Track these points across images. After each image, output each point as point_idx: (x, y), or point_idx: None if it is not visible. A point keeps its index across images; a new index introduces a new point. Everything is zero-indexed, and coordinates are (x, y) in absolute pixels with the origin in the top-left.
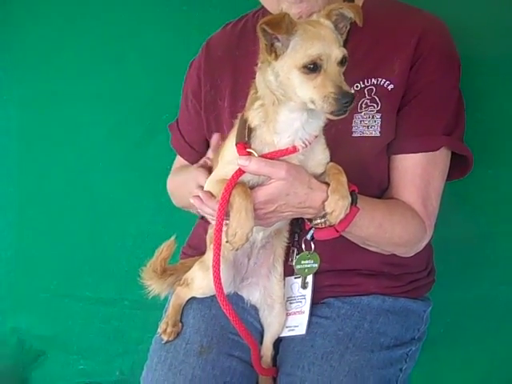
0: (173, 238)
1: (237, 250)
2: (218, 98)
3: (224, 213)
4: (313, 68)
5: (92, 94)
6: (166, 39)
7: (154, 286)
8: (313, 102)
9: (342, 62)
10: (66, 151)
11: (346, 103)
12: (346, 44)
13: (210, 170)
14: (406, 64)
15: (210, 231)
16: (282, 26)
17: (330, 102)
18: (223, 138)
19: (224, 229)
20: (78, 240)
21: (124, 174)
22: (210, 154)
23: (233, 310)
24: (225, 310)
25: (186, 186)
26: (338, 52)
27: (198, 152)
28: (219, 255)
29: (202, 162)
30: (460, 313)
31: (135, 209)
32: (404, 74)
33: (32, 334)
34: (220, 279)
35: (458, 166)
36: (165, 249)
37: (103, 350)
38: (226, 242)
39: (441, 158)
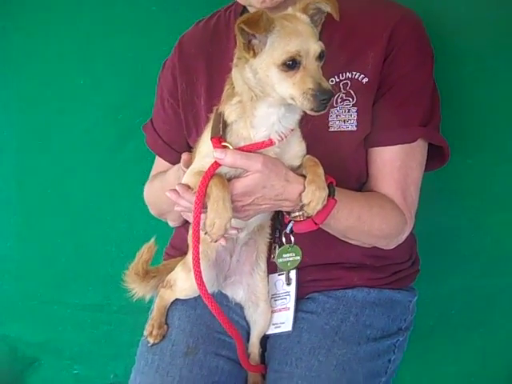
0: (153, 239)
1: (215, 241)
2: (194, 95)
3: (201, 204)
4: (292, 64)
5: (63, 99)
6: (137, 41)
7: (138, 289)
8: (292, 98)
9: (320, 57)
10: (41, 157)
11: (324, 100)
12: (320, 38)
13: None
14: (379, 57)
15: (191, 231)
16: (261, 24)
17: (308, 98)
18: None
19: (202, 222)
20: (61, 247)
21: (101, 179)
22: (183, 169)
23: (215, 303)
24: (207, 304)
25: (162, 190)
26: (316, 47)
27: (177, 152)
28: (198, 248)
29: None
30: (447, 305)
31: (115, 213)
32: (378, 66)
33: (23, 342)
34: (201, 274)
35: (435, 156)
36: (145, 251)
37: (96, 355)
38: (205, 233)
39: (418, 150)
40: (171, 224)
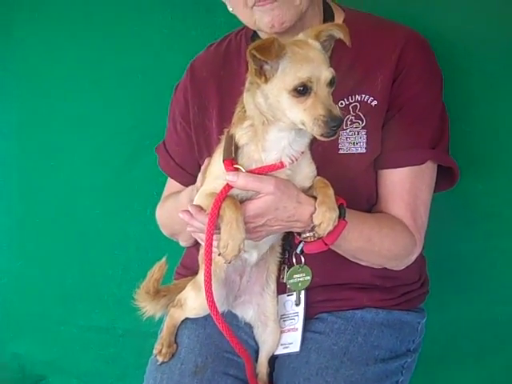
0: (164, 258)
1: (229, 262)
2: (206, 118)
3: (214, 226)
4: (303, 90)
5: (74, 119)
6: (149, 62)
7: (148, 308)
8: (303, 123)
9: (331, 83)
10: (49, 177)
11: (335, 127)
12: (330, 61)
13: None
14: (388, 79)
15: (202, 251)
16: (272, 51)
17: (319, 124)
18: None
19: (214, 243)
20: (67, 267)
21: (109, 200)
22: (200, 176)
23: (225, 322)
24: (216, 322)
25: (176, 211)
26: (327, 73)
27: (189, 174)
28: (210, 269)
29: (197, 184)
30: (456, 333)
31: (123, 235)
32: (387, 89)
33: (32, 360)
34: (212, 293)
35: (445, 177)
36: (156, 270)
37: (103, 375)
38: (219, 254)
39: (427, 172)
40: (182, 244)
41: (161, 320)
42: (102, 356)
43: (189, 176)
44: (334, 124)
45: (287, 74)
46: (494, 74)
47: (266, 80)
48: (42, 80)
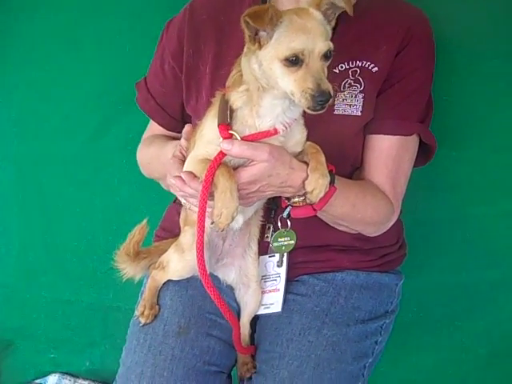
0: (145, 220)
1: (222, 230)
2: (200, 62)
3: (208, 193)
4: (295, 61)
5: (44, 83)
6: (124, 24)
7: (128, 270)
8: (292, 94)
9: (326, 56)
10: (12, 146)
11: (321, 101)
12: (335, 29)
13: (184, 161)
14: (392, 50)
15: (183, 214)
16: (265, 18)
17: (306, 97)
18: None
19: (207, 210)
20: (31, 239)
21: (76, 170)
22: (182, 142)
23: (216, 290)
24: (208, 290)
25: (158, 159)
26: (322, 46)
27: (169, 115)
28: (203, 236)
29: (177, 152)
30: (430, 296)
31: (89, 206)
32: (389, 59)
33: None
34: (203, 259)
35: (421, 153)
36: (137, 232)
37: (70, 342)
38: (212, 223)
39: (412, 144)
40: (165, 188)
41: (121, 295)
42: (68, 326)
43: (168, 117)
44: (321, 98)
45: (281, 43)
46: (472, 47)
47: (260, 46)
48: (2, 45)
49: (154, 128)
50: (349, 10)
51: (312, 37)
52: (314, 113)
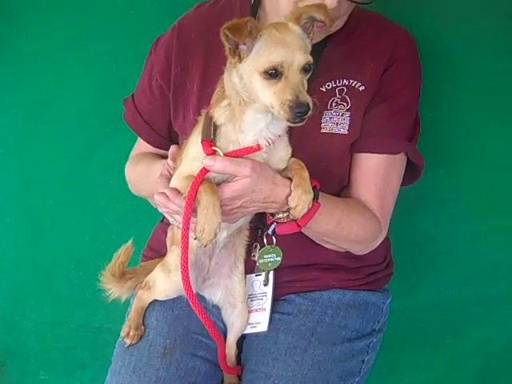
0: (130, 241)
1: (205, 246)
2: (187, 80)
3: (191, 209)
4: (274, 74)
5: (32, 104)
6: (111, 44)
7: (114, 290)
8: (272, 106)
9: (305, 70)
10: (0, 166)
11: (300, 113)
12: (324, 47)
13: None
14: (378, 69)
15: (170, 234)
16: (244, 32)
17: (285, 109)
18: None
19: (191, 226)
20: (19, 260)
21: (63, 191)
22: (169, 162)
23: (201, 306)
24: (194, 308)
25: (146, 178)
26: (301, 58)
27: (156, 133)
28: (187, 252)
29: (164, 171)
30: (418, 314)
31: (76, 228)
32: (376, 78)
33: None
34: (188, 276)
35: (407, 172)
36: (122, 253)
37: (60, 363)
38: (195, 238)
39: (399, 162)
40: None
41: (111, 316)
42: (58, 348)
43: (155, 134)
44: (299, 110)
45: (260, 56)
46: (457, 64)
47: (241, 60)
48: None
49: (141, 145)
50: (327, 22)
51: (291, 50)
52: (293, 125)
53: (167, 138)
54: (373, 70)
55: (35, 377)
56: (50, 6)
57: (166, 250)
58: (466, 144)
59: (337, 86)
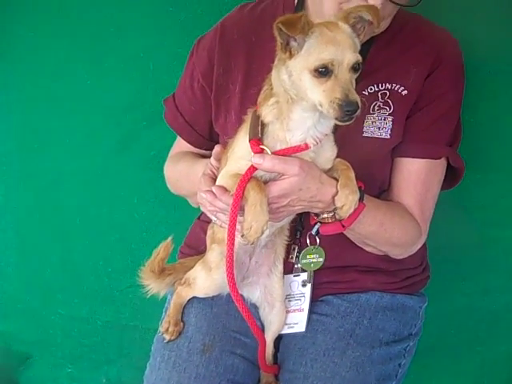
0: (170, 238)
1: (252, 244)
2: (230, 82)
3: (238, 207)
4: (324, 72)
5: (67, 99)
6: (147, 42)
7: (153, 286)
8: (321, 105)
9: (355, 69)
10: (34, 161)
11: (349, 111)
12: (367, 50)
13: (215, 179)
14: (422, 73)
15: (210, 232)
16: (298, 26)
17: (334, 107)
18: (229, 138)
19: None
20: (49, 256)
21: (95, 187)
22: (213, 162)
23: (244, 304)
24: (237, 304)
25: (187, 177)
26: (351, 57)
27: (197, 133)
28: (233, 250)
29: (207, 170)
30: (450, 322)
31: (106, 225)
32: (419, 82)
33: (18, 339)
34: (233, 274)
35: (447, 177)
36: (162, 249)
37: (87, 359)
38: (242, 236)
39: (440, 167)
40: (193, 205)
41: (138, 314)
42: (84, 343)
43: (196, 135)
44: (348, 108)
45: (311, 54)
46: (497, 67)
47: (291, 56)
48: (30, 59)
49: (181, 145)
50: (376, 22)
51: (341, 48)
52: (342, 123)
53: (208, 139)
54: (416, 74)
55: (62, 370)
56: (90, 2)
57: (205, 248)
58: (502, 150)
59: (379, 90)
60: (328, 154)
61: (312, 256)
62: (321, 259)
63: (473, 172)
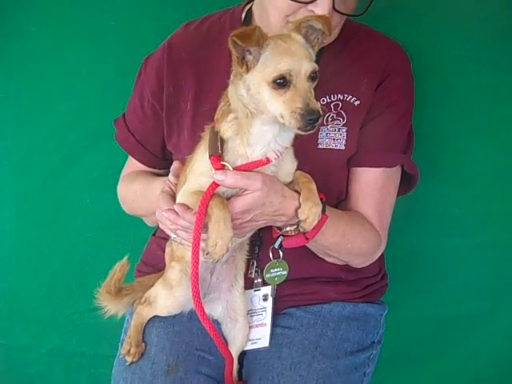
0: (125, 258)
1: (217, 261)
2: (180, 100)
3: (202, 225)
4: (282, 83)
5: (3, 118)
6: (90, 57)
7: (110, 307)
8: (282, 116)
9: (312, 78)
10: None
11: (311, 120)
12: (319, 61)
13: (174, 196)
14: (373, 83)
15: (168, 249)
16: (253, 38)
17: (296, 117)
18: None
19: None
20: None
21: (35, 210)
22: (171, 178)
23: (211, 323)
24: (203, 322)
25: (144, 196)
26: (307, 66)
27: (150, 153)
28: (197, 268)
29: (166, 187)
30: (405, 333)
31: (47, 251)
32: (370, 91)
33: None
34: (199, 292)
35: (402, 183)
36: (118, 270)
37: None
38: (207, 254)
39: (396, 175)
40: (150, 224)
41: (86, 339)
42: (28, 374)
43: (148, 154)
44: (310, 117)
45: (268, 66)
46: (444, 78)
47: (248, 70)
48: None
49: (132, 165)
50: (327, 31)
51: (297, 58)
52: (304, 133)
53: (161, 158)
54: (367, 84)
55: None
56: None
57: (164, 265)
58: (452, 159)
59: (332, 101)
60: (289, 167)
61: (276, 270)
62: (285, 272)
63: (423, 181)
